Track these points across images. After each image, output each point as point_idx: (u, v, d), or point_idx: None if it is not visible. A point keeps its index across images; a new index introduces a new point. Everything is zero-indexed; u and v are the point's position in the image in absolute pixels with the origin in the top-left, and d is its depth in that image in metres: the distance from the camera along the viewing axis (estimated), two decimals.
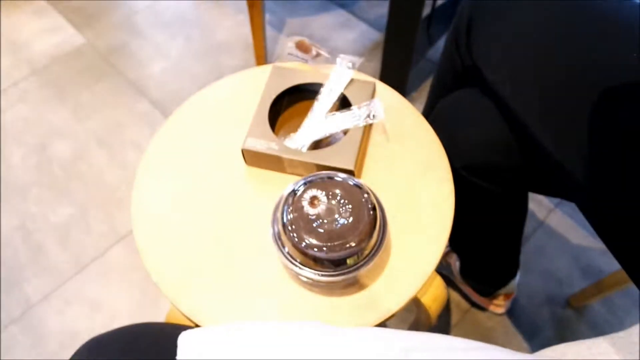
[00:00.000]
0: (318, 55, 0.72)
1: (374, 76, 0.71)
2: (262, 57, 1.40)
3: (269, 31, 1.50)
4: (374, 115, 0.61)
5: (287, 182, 0.57)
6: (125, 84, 1.41)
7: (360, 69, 0.68)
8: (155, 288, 0.55)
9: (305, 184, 0.53)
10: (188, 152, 0.66)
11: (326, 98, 0.64)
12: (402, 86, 1.28)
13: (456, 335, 1.00)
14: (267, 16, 1.53)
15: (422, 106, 0.91)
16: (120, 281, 1.08)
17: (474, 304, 1.04)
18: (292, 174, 0.62)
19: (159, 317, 1.03)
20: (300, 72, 0.67)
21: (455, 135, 0.63)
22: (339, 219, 0.50)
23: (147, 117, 1.34)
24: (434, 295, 0.58)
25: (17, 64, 1.47)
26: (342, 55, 0.68)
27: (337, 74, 0.66)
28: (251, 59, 1.45)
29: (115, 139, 1.30)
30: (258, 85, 0.67)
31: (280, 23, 1.54)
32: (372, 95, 0.65)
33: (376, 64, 1.36)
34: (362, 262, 0.52)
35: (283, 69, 0.68)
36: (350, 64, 0.67)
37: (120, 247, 1.12)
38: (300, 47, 0.73)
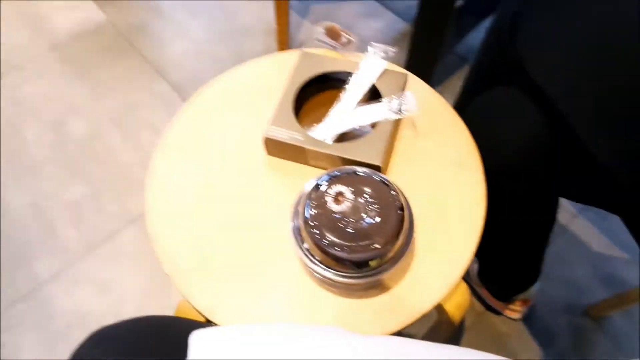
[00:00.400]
0: (348, 42, 0.68)
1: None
2: (284, 42, 1.37)
3: (293, 16, 1.47)
4: (405, 109, 0.57)
5: (309, 175, 0.54)
6: (144, 64, 1.39)
7: (388, 59, 0.64)
8: (163, 271, 0.53)
9: (329, 178, 0.50)
10: (207, 138, 0.63)
11: (356, 88, 0.61)
12: (428, 79, 1.24)
13: (469, 338, 0.97)
14: (292, 1, 1.49)
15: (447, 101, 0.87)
16: (130, 264, 1.06)
17: (489, 307, 1.01)
18: (315, 166, 0.59)
19: (168, 302, 1.01)
20: (329, 60, 0.64)
21: (492, 135, 0.59)
22: (365, 218, 0.47)
23: (165, 99, 1.31)
24: (458, 302, 0.55)
25: (36, 39, 1.45)
26: (374, 44, 0.64)
27: (368, 64, 0.62)
28: (273, 44, 1.42)
29: (131, 120, 1.27)
30: (283, 71, 0.64)
31: (305, 8, 1.50)
32: (404, 88, 0.62)
33: (401, 55, 1.32)
34: (385, 265, 0.48)
35: (311, 56, 0.64)
36: (383, 54, 0.63)
37: (131, 230, 1.10)
38: (330, 33, 0.69)
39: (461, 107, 0.65)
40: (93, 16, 1.50)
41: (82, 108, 1.30)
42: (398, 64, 0.68)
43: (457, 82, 1.30)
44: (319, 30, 0.71)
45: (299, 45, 1.41)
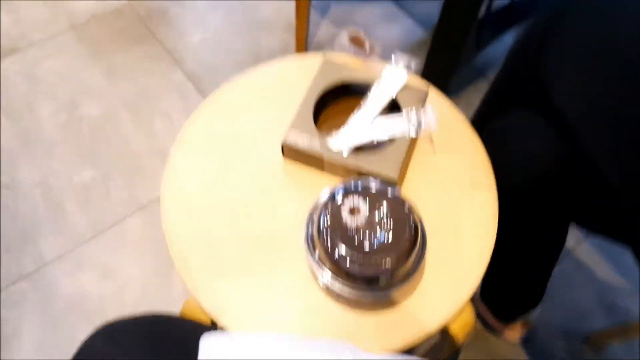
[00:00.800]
0: (372, 51, 0.68)
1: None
2: (303, 40, 1.36)
3: (312, 15, 1.46)
4: (425, 125, 0.57)
5: (325, 182, 0.54)
6: (161, 50, 1.38)
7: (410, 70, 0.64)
8: (168, 262, 0.53)
9: (346, 190, 0.50)
10: (224, 137, 0.63)
11: (376, 99, 0.60)
12: (444, 89, 1.23)
13: (465, 356, 0.97)
14: (312, 0, 1.49)
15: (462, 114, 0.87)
16: (135, 251, 1.06)
17: (487, 326, 1.01)
18: (331, 173, 0.59)
19: (170, 293, 1.02)
20: (351, 68, 0.64)
21: (509, 157, 0.59)
22: (378, 234, 0.47)
23: (180, 88, 1.31)
24: (464, 322, 0.55)
25: (55, 17, 1.45)
26: (397, 54, 0.64)
27: (390, 75, 0.62)
28: (291, 41, 1.41)
29: (144, 106, 1.27)
30: (304, 75, 0.64)
31: (325, 7, 1.50)
32: (424, 102, 0.62)
33: (418, 62, 1.32)
34: (394, 283, 0.49)
35: (334, 63, 0.64)
36: (405, 65, 0.63)
37: (138, 217, 1.11)
38: (355, 40, 0.69)
39: (479, 123, 0.65)
40: None
41: (96, 90, 1.30)
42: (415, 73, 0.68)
43: (472, 94, 1.30)
44: (343, 36, 0.70)
45: (317, 45, 1.41)
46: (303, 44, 1.37)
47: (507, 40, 1.37)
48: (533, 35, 0.60)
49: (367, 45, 0.69)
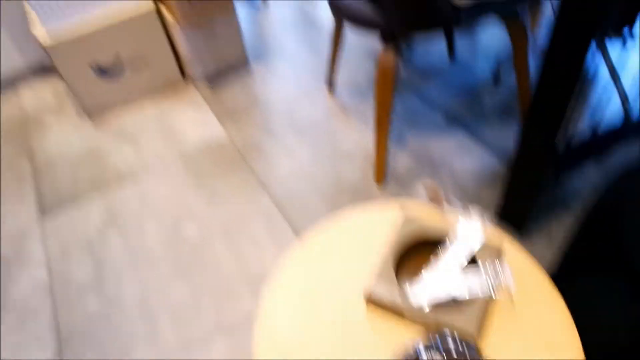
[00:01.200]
0: (447, 204, 0.74)
1: (488, 208, 0.71)
2: (382, 170, 1.47)
3: (390, 145, 1.58)
4: (503, 285, 0.60)
5: (406, 330, 0.57)
6: (253, 178, 1.56)
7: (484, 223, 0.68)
8: None
9: (426, 348, 0.54)
10: (313, 281, 0.70)
11: (453, 255, 0.65)
12: (522, 225, 1.23)
13: None
14: (391, 133, 1.62)
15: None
16: None
17: None
18: (411, 321, 0.63)
19: None
20: (429, 222, 0.70)
21: (594, 326, 0.59)
22: None
23: (267, 213, 1.45)
24: None
25: (169, 147, 1.70)
26: (471, 208, 0.70)
27: (465, 230, 0.68)
28: (370, 170, 1.53)
29: (236, 230, 1.41)
30: (385, 224, 0.71)
31: (401, 137, 1.62)
32: (500, 257, 0.65)
33: (494, 196, 1.35)
34: None
35: (413, 219, 0.71)
36: (479, 219, 0.68)
37: (222, 340, 1.18)
38: (431, 193, 0.76)
39: (561, 277, 0.66)
40: (217, 133, 1.74)
41: (197, 213, 1.47)
42: (487, 205, 0.72)
43: (554, 225, 1.29)
44: (420, 188, 0.78)
45: (394, 174, 1.50)
46: (382, 173, 1.48)
47: (588, 172, 1.38)
48: (607, 200, 0.63)
49: (441, 195, 0.76)
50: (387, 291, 0.62)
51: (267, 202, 1.48)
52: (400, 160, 1.55)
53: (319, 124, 1.73)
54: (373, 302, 0.64)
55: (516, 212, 1.22)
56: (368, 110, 1.73)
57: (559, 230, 1.26)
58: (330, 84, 1.84)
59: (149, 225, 1.46)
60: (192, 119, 1.81)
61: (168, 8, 1.73)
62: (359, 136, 1.65)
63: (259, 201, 1.49)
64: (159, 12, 1.77)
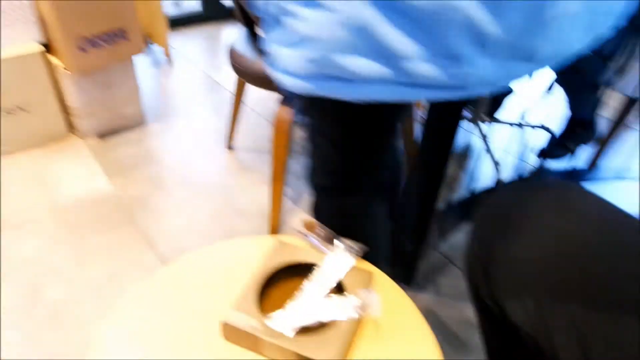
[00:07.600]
0: (323, 236, 0.72)
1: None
2: (276, 227, 1.43)
3: (286, 203, 1.56)
4: (369, 309, 0.57)
5: None
6: (138, 234, 1.43)
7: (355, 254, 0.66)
8: None
9: None
10: (167, 314, 0.62)
11: (320, 281, 0.61)
12: (410, 276, 1.25)
13: None
14: (287, 189, 1.61)
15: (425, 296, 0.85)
16: None
17: None
18: (269, 357, 0.56)
19: None
20: (301, 250, 0.66)
21: None
22: None
23: (150, 271, 1.32)
24: None
25: (39, 201, 1.53)
26: (341, 239, 0.67)
27: (335, 258, 0.65)
28: (264, 226, 1.48)
29: (111, 290, 1.26)
30: (259, 254, 0.66)
31: (298, 196, 1.61)
32: (369, 285, 0.63)
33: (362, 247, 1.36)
34: None
35: (285, 244, 0.67)
36: (350, 249, 0.66)
37: None
38: (308, 226, 0.74)
39: None
40: (102, 187, 1.61)
41: (64, 273, 1.30)
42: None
43: (440, 279, 1.31)
44: (297, 223, 0.75)
45: (289, 232, 1.47)
46: (277, 229, 1.44)
47: (467, 228, 1.45)
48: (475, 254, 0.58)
49: (319, 231, 0.73)
50: (244, 319, 0.56)
51: (151, 258, 1.36)
52: (295, 217, 1.53)
53: (214, 181, 1.67)
54: (229, 329, 0.57)
55: (403, 266, 1.24)
56: (266, 169, 1.73)
57: (446, 284, 1.29)
58: (230, 142, 1.82)
59: (4, 286, 1.25)
60: (74, 173, 1.67)
61: (58, 53, 1.65)
62: (255, 193, 1.62)
63: (141, 258, 1.36)
64: (44, 56, 1.66)
